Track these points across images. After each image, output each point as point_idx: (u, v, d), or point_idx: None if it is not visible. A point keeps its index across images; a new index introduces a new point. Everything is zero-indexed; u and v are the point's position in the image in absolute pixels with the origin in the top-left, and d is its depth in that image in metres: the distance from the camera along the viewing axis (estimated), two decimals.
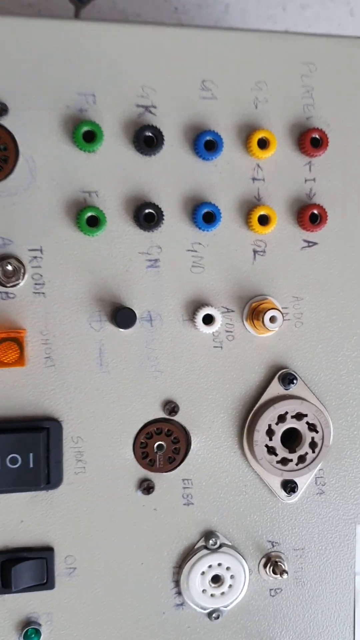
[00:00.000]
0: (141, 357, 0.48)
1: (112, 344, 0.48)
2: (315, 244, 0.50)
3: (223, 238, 0.48)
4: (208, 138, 0.46)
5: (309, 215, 0.48)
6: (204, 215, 0.47)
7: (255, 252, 0.49)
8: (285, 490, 0.51)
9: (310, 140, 0.45)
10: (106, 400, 0.48)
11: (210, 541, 0.50)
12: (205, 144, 0.45)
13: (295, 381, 0.48)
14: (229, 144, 0.46)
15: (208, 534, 0.51)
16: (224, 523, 0.51)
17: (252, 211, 0.48)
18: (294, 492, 0.51)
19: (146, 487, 0.50)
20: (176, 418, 0.49)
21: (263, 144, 0.45)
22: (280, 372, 0.48)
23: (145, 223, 0.47)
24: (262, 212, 0.48)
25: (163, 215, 0.47)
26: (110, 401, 0.48)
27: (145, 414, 0.49)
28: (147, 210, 0.46)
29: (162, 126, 0.45)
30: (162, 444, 0.49)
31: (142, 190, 0.47)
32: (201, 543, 0.51)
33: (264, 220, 0.48)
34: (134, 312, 0.46)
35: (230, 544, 0.51)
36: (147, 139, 0.44)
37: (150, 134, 0.45)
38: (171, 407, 0.49)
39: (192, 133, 0.45)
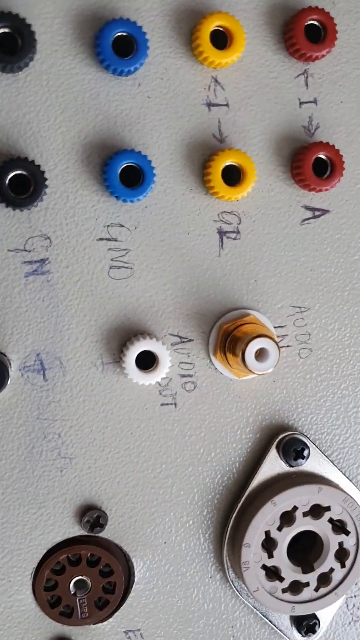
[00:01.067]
0: (31, 437, 0.27)
1: None
2: (324, 211, 0.28)
3: (161, 212, 0.27)
4: (119, 33, 0.24)
5: (311, 162, 0.27)
6: (122, 172, 0.25)
7: (221, 233, 0.28)
8: (300, 630, 0.30)
9: (304, 31, 0.25)
10: None
11: None
12: (114, 43, 0.24)
13: (306, 451, 0.27)
14: (158, 44, 0.27)
15: None
16: None
17: (211, 161, 0.26)
18: (314, 632, 0.30)
19: None
20: (103, 534, 0.28)
21: (221, 39, 0.27)
22: (279, 438, 0.31)
23: (14, 195, 0.24)
24: (228, 162, 0.26)
25: (45, 178, 0.25)
26: None
27: (48, 534, 0.28)
28: (14, 172, 0.24)
29: (34, 16, 0.23)
30: (83, 579, 0.29)
31: (4, 137, 0.25)
32: None
33: (233, 176, 0.27)
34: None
35: None
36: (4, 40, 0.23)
37: (7, 30, 0.24)
38: (93, 517, 0.28)
39: (90, 25, 0.25)
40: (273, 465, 0.30)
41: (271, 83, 0.28)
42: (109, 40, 0.26)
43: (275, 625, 0.31)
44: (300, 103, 0.29)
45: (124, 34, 0.26)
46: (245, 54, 0.28)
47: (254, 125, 0.28)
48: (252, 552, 0.30)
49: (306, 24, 0.28)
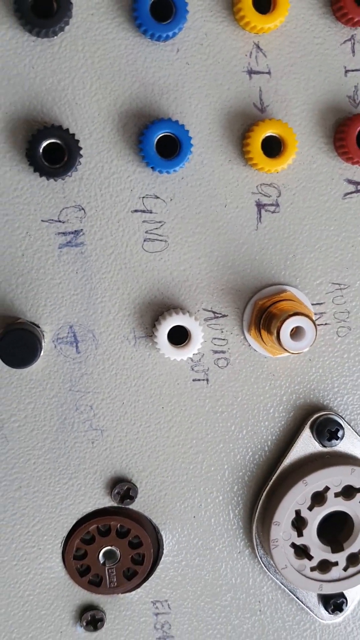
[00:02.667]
0: (63, 408, 0.27)
1: (7, 389, 0.26)
2: None
3: (198, 184, 0.26)
4: None
5: (355, 134, 0.26)
6: (158, 142, 0.25)
7: (260, 205, 0.27)
8: (327, 608, 0.30)
9: None
10: (8, 486, 0.27)
11: None
12: (152, 7, 0.24)
13: (341, 432, 0.27)
14: (198, 7, 0.26)
15: None
16: None
17: (250, 131, 0.25)
18: (341, 610, 0.30)
19: (90, 619, 0.30)
20: (133, 506, 0.28)
21: (263, 3, 0.27)
22: (313, 418, 0.30)
23: (48, 165, 0.24)
24: (268, 132, 0.25)
25: (79, 147, 0.24)
26: (14, 486, 0.27)
27: (78, 504, 0.28)
28: (48, 141, 0.24)
29: None
30: (112, 549, 0.29)
31: (36, 106, 0.25)
32: None
33: (272, 147, 0.26)
34: (30, 333, 0.24)
35: None
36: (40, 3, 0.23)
37: None
38: (123, 489, 0.28)
39: None
40: (306, 445, 0.30)
41: (316, 50, 0.27)
42: (147, 3, 0.25)
43: (302, 602, 0.31)
44: (346, 71, 0.27)
45: None
46: (289, 18, 0.26)
47: (296, 94, 0.27)
48: (281, 530, 0.29)
49: None
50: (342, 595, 0.31)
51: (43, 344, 0.27)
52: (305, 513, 0.30)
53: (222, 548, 0.30)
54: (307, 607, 0.32)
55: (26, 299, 0.27)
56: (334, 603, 0.31)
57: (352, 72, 0.27)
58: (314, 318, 0.27)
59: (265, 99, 0.27)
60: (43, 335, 0.27)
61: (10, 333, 0.25)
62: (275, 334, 0.26)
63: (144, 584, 0.30)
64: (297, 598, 0.31)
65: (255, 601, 0.31)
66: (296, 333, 0.26)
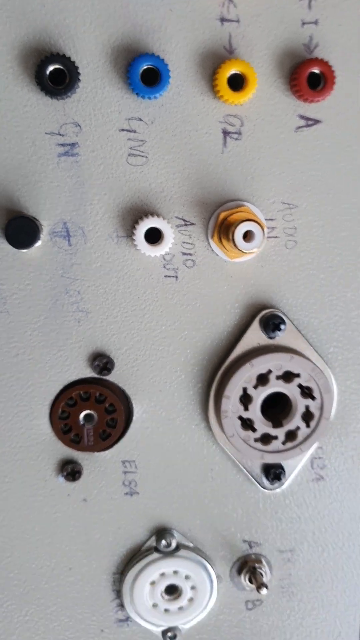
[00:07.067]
0: (56, 291, 0.33)
1: (10, 271, 0.32)
2: (316, 121, 0.33)
3: (175, 110, 0.32)
4: None
5: (306, 76, 0.31)
6: (143, 73, 0.30)
7: (225, 133, 0.32)
8: (267, 477, 0.36)
9: None
10: (7, 352, 0.33)
11: (163, 542, 0.36)
12: None
13: (283, 326, 0.33)
14: None
15: (160, 532, 0.37)
16: (181, 518, 0.37)
17: (219, 68, 0.31)
18: (280, 479, 0.36)
19: (70, 471, 0.35)
20: (110, 377, 0.34)
21: None
22: (262, 314, 0.36)
23: (52, 86, 0.30)
24: (234, 70, 0.31)
25: (78, 73, 0.30)
26: (13, 353, 0.33)
27: (65, 372, 0.34)
28: (53, 67, 0.30)
29: None
30: (91, 413, 0.34)
31: (45, 38, 0.30)
32: (150, 544, 0.37)
33: (237, 83, 0.32)
34: (32, 222, 0.30)
35: (190, 545, 0.37)
36: None
37: None
38: (102, 362, 0.34)
39: None
40: (255, 335, 0.36)
41: (278, 3, 0.32)
42: None
43: (247, 471, 0.38)
44: (303, 23, 0.33)
45: None
46: None
47: (260, 40, 0.33)
48: (230, 403, 0.35)
49: None
50: (280, 466, 0.38)
51: (41, 235, 0.33)
52: (251, 391, 0.36)
53: (182, 420, 0.37)
54: (251, 475, 0.38)
55: (29, 197, 0.33)
56: (273, 473, 0.37)
57: (307, 24, 0.33)
58: (264, 228, 0.33)
59: (234, 43, 0.33)
60: (41, 228, 0.33)
61: (16, 220, 0.31)
62: (231, 237, 0.33)
63: (116, 445, 0.36)
64: (243, 467, 0.38)
65: (208, 469, 0.38)
66: (248, 236, 0.33)
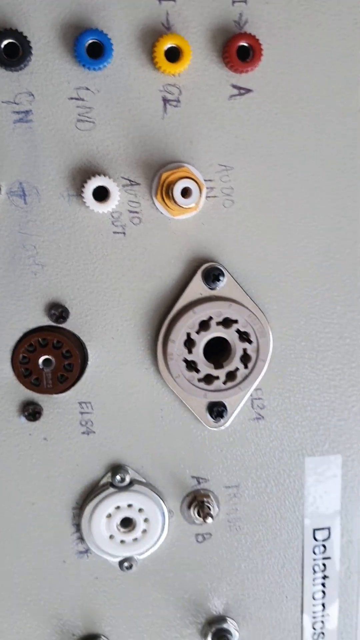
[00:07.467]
0: (13, 246, 0.36)
1: None
2: (248, 90, 0.36)
3: (119, 80, 0.35)
4: None
5: (236, 48, 0.35)
6: (88, 46, 0.34)
7: (165, 101, 0.36)
8: (211, 415, 0.40)
9: None
10: None
11: (118, 477, 0.40)
12: None
13: (222, 278, 0.37)
14: None
15: (115, 469, 0.41)
16: (135, 455, 0.40)
17: (157, 42, 0.35)
18: (222, 416, 0.40)
19: (31, 411, 0.39)
20: (66, 325, 0.38)
21: None
22: (203, 267, 0.39)
23: (7, 58, 0.33)
24: (170, 43, 0.35)
25: (30, 47, 0.33)
26: None
27: (24, 321, 0.38)
28: (6, 41, 0.33)
29: None
30: (49, 358, 0.38)
31: (1, 13, 0.34)
32: (106, 479, 0.41)
33: (174, 55, 0.35)
34: None
35: (143, 480, 0.41)
36: None
37: None
38: (58, 311, 0.38)
39: None
40: (197, 286, 0.39)
41: None
42: None
43: (192, 410, 0.41)
44: (233, 2, 0.37)
45: None
46: None
47: (195, 17, 0.36)
48: (176, 346, 0.39)
49: None
50: (223, 404, 0.41)
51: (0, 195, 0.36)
52: (194, 336, 0.39)
53: (133, 364, 0.40)
54: (196, 414, 0.42)
55: None
56: (216, 410, 0.41)
57: (237, 3, 0.37)
58: (202, 186, 0.37)
59: (171, 20, 0.36)
60: (0, 188, 0.37)
61: None
62: (171, 194, 0.36)
63: (73, 387, 0.40)
64: (189, 406, 0.41)
65: (158, 409, 0.41)
66: (186, 193, 0.36)
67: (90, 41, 0.35)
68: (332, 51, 0.37)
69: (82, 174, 0.37)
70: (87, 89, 0.36)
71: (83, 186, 0.36)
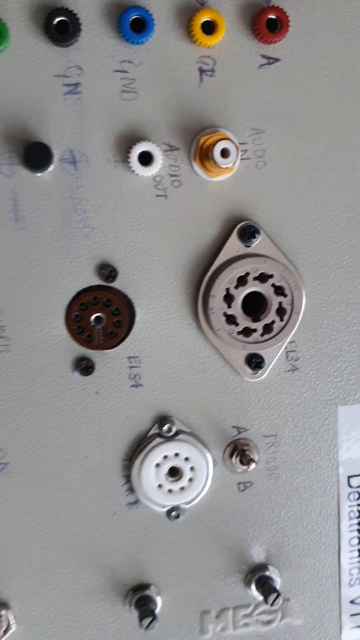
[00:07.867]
0: (65, 210, 0.39)
1: (28, 193, 0.39)
2: (276, 60, 0.40)
3: (159, 53, 0.39)
4: None
5: (265, 21, 0.38)
6: (131, 22, 0.37)
7: (201, 71, 0.39)
8: (249, 366, 0.43)
9: None
10: (27, 264, 0.40)
11: (165, 427, 0.43)
12: None
13: (257, 235, 0.40)
14: None
15: (162, 420, 0.43)
16: (180, 407, 0.43)
17: (194, 17, 0.38)
18: (260, 367, 0.43)
19: (84, 367, 0.41)
20: (115, 285, 0.41)
21: None
22: (239, 225, 0.41)
23: (58, 35, 0.36)
24: (206, 18, 0.38)
25: (80, 24, 0.37)
26: (31, 265, 0.40)
27: (76, 281, 0.40)
28: (58, 19, 0.36)
29: None
30: (100, 316, 0.40)
31: None
32: (154, 430, 0.43)
33: (209, 28, 0.38)
34: (46, 147, 0.37)
35: (188, 430, 0.43)
36: None
37: None
38: (107, 271, 0.40)
39: None
40: (234, 244, 0.42)
41: None
42: None
43: (232, 362, 0.44)
44: None
45: None
46: None
47: None
48: (216, 301, 0.42)
49: None
50: (260, 356, 0.44)
51: (53, 160, 0.39)
52: (232, 291, 0.42)
53: (176, 319, 0.43)
54: (235, 366, 0.44)
55: (41, 130, 0.39)
56: (255, 362, 0.44)
57: None
58: (238, 148, 0.40)
59: None
60: (53, 154, 0.40)
61: (33, 145, 0.38)
62: (210, 155, 0.39)
63: (122, 343, 0.43)
64: (228, 359, 0.44)
65: (200, 362, 0.44)
66: (224, 154, 0.39)
67: (134, 17, 0.38)
68: (353, 22, 0.41)
69: (127, 141, 0.40)
70: (131, 62, 0.39)
71: (129, 152, 0.39)
